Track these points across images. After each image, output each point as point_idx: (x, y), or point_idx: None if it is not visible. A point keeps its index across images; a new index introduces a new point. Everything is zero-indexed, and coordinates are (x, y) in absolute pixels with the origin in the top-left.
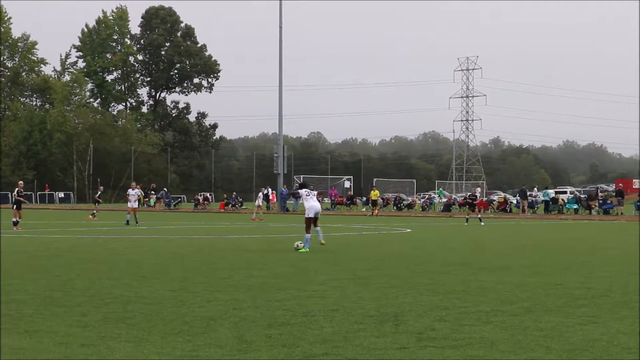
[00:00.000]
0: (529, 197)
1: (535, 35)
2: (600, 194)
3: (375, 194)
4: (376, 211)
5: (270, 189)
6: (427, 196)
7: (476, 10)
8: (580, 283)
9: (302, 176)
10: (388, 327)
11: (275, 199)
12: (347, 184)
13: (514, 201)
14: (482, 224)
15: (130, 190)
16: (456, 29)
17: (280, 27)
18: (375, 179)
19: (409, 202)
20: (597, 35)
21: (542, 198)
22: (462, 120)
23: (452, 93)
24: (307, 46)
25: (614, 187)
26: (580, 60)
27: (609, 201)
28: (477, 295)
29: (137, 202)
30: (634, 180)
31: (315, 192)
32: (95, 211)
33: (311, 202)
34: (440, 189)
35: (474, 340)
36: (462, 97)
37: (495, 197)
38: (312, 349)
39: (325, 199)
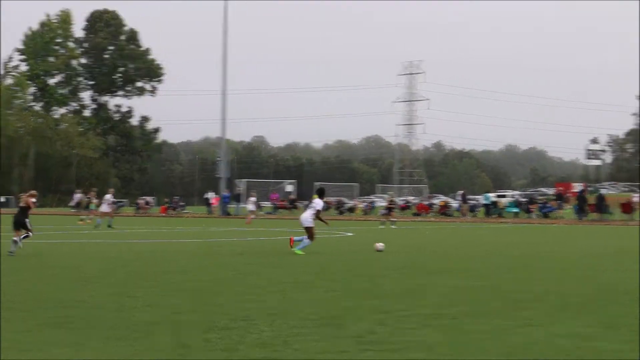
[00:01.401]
0: (470, 201)
1: (478, 40)
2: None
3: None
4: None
5: (212, 193)
6: (368, 200)
7: (420, 13)
8: (519, 286)
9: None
10: (328, 330)
11: (217, 203)
12: (289, 188)
13: (455, 205)
14: (393, 226)
15: (107, 196)
16: (400, 33)
17: (225, 30)
18: (317, 183)
19: (350, 205)
20: (538, 40)
21: (483, 202)
22: (405, 124)
23: (395, 97)
24: (251, 49)
25: (554, 190)
26: (522, 65)
27: (548, 205)
28: (416, 299)
29: (110, 207)
30: (573, 184)
31: (315, 205)
32: (85, 216)
33: (303, 214)
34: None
35: (413, 344)
36: (405, 101)
37: (436, 201)
38: (252, 353)
39: (266, 202)
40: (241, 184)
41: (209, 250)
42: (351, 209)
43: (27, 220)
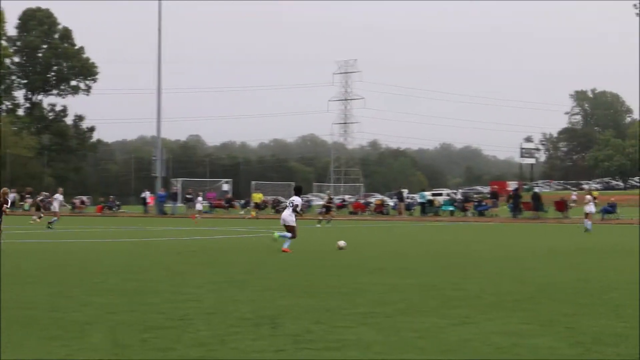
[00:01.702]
0: (406, 199)
1: (413, 39)
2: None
3: (258, 197)
4: (254, 213)
5: (148, 192)
6: (305, 199)
7: (355, 12)
8: (455, 284)
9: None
10: (265, 329)
11: (153, 202)
12: (225, 187)
13: (391, 203)
14: (329, 225)
15: (57, 195)
16: (335, 32)
17: (160, 29)
18: (254, 182)
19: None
20: (472, 39)
21: (419, 200)
22: (340, 123)
23: (331, 96)
24: (187, 48)
25: (489, 189)
26: (457, 64)
27: (483, 203)
28: (353, 297)
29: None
30: (508, 182)
31: (294, 202)
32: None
33: (284, 213)
34: (328, 191)
35: (349, 342)
36: (340, 100)
37: (372, 200)
38: (188, 353)
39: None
40: (177, 183)
41: (145, 249)
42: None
43: None
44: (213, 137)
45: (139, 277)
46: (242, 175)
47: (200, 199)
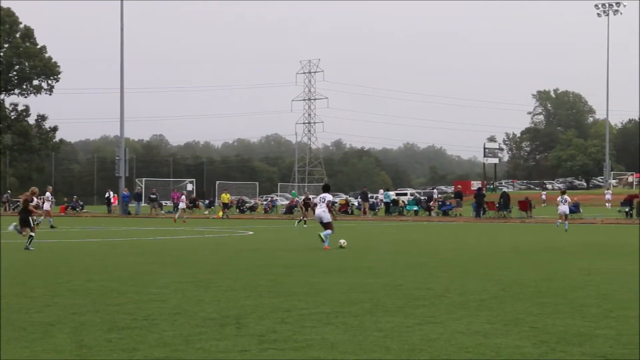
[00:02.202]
0: (370, 199)
1: (375, 39)
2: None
3: (226, 197)
4: (220, 213)
5: (111, 192)
6: (269, 198)
7: (318, 13)
8: (420, 284)
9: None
10: (229, 330)
11: (117, 202)
12: (189, 187)
13: (356, 203)
14: (305, 226)
15: (47, 194)
16: (298, 32)
17: (122, 29)
18: (218, 182)
19: (251, 204)
20: (437, 39)
21: (383, 200)
22: (304, 123)
23: (294, 96)
24: (150, 48)
25: (453, 188)
26: (421, 64)
27: (447, 202)
28: (318, 297)
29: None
30: (472, 182)
31: (326, 199)
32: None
33: (317, 210)
34: (294, 190)
35: (314, 342)
36: (304, 99)
37: (336, 199)
38: (153, 353)
39: (167, 201)
40: (141, 183)
41: (110, 249)
42: (252, 208)
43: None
44: (177, 136)
45: (103, 277)
46: (206, 175)
47: (183, 197)
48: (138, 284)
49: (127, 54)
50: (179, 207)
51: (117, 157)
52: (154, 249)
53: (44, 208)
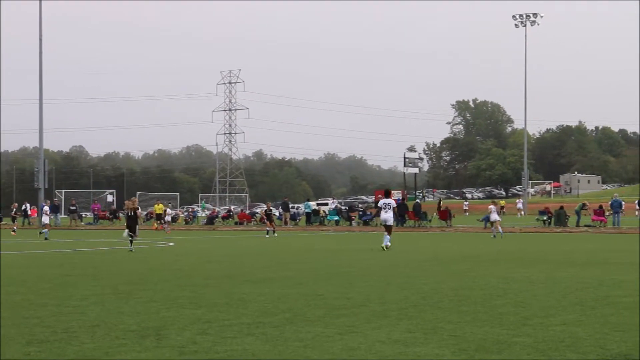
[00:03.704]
0: (292, 209)
1: (295, 50)
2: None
3: (160, 208)
4: (156, 224)
5: (28, 205)
6: (190, 209)
7: (239, 22)
8: (340, 293)
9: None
10: (150, 341)
11: (35, 214)
12: (109, 198)
13: (277, 213)
14: (276, 235)
15: (45, 207)
16: (219, 42)
17: (40, 39)
18: (138, 193)
19: (172, 215)
20: (356, 50)
21: (304, 210)
22: (225, 134)
23: (215, 106)
24: (68, 58)
25: (374, 198)
26: (341, 74)
27: (368, 212)
28: (238, 308)
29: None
30: (392, 192)
31: (391, 205)
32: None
33: (383, 215)
34: (203, 201)
35: (235, 353)
36: (224, 110)
37: (258, 210)
38: None
39: (87, 213)
40: (60, 195)
41: (28, 262)
42: (173, 219)
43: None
44: (97, 147)
45: (22, 290)
46: (126, 186)
47: (168, 210)
48: (58, 296)
49: (45, 64)
50: (166, 219)
51: (36, 169)
52: (72, 261)
53: (44, 220)
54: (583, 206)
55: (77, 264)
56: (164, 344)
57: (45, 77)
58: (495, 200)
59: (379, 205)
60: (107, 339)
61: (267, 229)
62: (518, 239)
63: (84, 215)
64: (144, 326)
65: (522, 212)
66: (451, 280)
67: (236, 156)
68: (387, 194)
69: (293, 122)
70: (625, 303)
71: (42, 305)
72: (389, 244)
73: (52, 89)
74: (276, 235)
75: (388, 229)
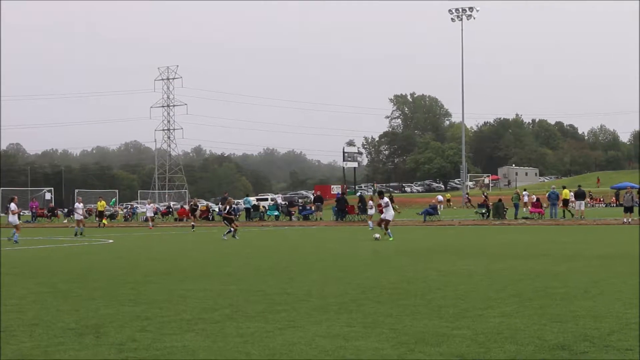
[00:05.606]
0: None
1: (231, 46)
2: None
3: (102, 205)
4: (105, 221)
5: None
6: (129, 206)
7: (177, 20)
8: (281, 289)
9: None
10: (89, 339)
11: None
12: (47, 196)
13: (217, 209)
14: (237, 237)
15: (78, 205)
16: (156, 39)
17: None
18: (76, 190)
19: (111, 212)
20: (295, 46)
21: (244, 205)
22: (163, 130)
23: (153, 102)
24: (6, 56)
25: (313, 193)
26: (279, 71)
27: (308, 207)
28: (178, 304)
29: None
30: (332, 186)
31: (388, 203)
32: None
33: (391, 211)
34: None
35: (175, 349)
36: (163, 106)
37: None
38: None
39: (25, 211)
40: None
41: None
42: (112, 216)
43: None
44: (34, 145)
45: None
46: (64, 184)
47: (149, 206)
48: None
49: None
50: (147, 215)
51: None
52: (9, 259)
53: (76, 218)
54: (518, 197)
55: (14, 262)
56: (103, 342)
57: None
58: (374, 197)
59: (381, 204)
60: (46, 337)
61: (230, 229)
62: (457, 232)
63: (21, 214)
64: (83, 324)
65: (442, 205)
66: (391, 274)
67: (175, 152)
68: (381, 195)
69: (232, 118)
70: (562, 294)
71: None
72: (378, 235)
73: None
74: (237, 238)
75: (385, 222)
